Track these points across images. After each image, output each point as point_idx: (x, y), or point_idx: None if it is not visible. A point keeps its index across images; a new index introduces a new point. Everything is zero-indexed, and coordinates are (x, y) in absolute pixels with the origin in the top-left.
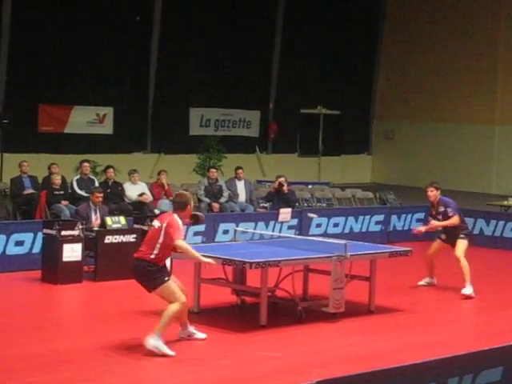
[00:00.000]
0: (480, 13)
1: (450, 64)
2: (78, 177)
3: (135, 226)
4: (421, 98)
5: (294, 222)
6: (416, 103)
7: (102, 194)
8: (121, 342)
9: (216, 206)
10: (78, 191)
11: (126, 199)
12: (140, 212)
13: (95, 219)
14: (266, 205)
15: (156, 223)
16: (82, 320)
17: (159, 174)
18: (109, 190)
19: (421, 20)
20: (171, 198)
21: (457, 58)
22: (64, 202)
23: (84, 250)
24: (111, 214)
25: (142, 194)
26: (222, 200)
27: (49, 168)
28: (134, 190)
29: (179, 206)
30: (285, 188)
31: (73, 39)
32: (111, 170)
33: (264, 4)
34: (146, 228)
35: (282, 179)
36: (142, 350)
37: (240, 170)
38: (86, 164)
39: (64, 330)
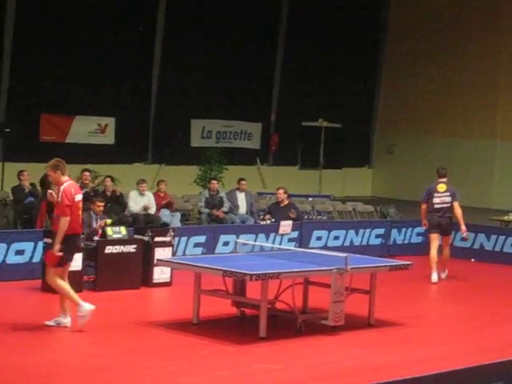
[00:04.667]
0: (482, 28)
1: (452, 79)
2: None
3: (136, 236)
4: (422, 112)
5: (295, 234)
6: (417, 117)
7: (102, 203)
8: (120, 352)
9: (220, 213)
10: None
11: (128, 210)
12: (148, 223)
13: (96, 228)
14: (271, 219)
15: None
16: (82, 330)
17: (158, 184)
18: (109, 204)
19: (423, 35)
20: (172, 208)
21: (458, 74)
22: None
23: (84, 259)
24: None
25: (145, 208)
26: (223, 211)
27: (45, 177)
28: (140, 200)
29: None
30: (284, 201)
31: (75, 49)
32: (108, 179)
33: (266, 16)
34: (146, 239)
35: (280, 191)
36: (141, 360)
37: (243, 182)
38: (87, 173)
39: (63, 339)
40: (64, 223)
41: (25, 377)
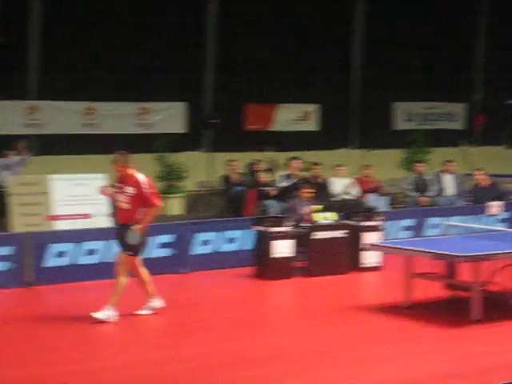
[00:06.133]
0: None
1: None
2: (284, 173)
3: (344, 221)
4: None
5: (506, 215)
6: None
7: (311, 190)
8: (332, 337)
9: (425, 199)
10: (283, 184)
11: (332, 195)
12: (352, 208)
13: (305, 214)
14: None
15: None
16: (293, 315)
17: (364, 169)
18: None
19: None
20: (379, 192)
21: None
22: (272, 192)
23: (295, 245)
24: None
25: (346, 188)
26: (430, 194)
27: (251, 165)
28: (340, 184)
29: None
30: (484, 182)
31: (276, 39)
32: (316, 166)
33: None
34: (354, 223)
35: (478, 172)
36: (354, 345)
37: (451, 163)
38: (297, 161)
39: (276, 325)
40: (155, 213)
41: (239, 362)
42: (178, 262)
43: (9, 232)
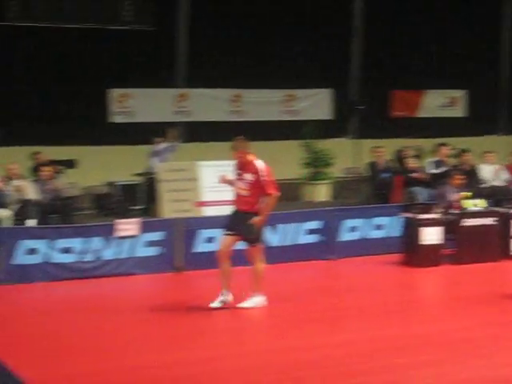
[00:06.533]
0: None
1: None
2: (432, 159)
3: (494, 208)
4: None
5: None
6: None
7: (462, 177)
8: (478, 325)
9: None
10: (432, 171)
11: (480, 181)
12: (502, 195)
13: (454, 201)
14: None
15: None
16: (442, 303)
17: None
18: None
19: None
20: None
21: None
22: (420, 178)
23: (444, 233)
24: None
25: (498, 172)
26: None
27: (399, 152)
28: (488, 171)
29: None
30: None
31: (422, 25)
32: (467, 154)
33: None
34: (504, 211)
35: None
36: (501, 333)
37: None
38: (446, 147)
39: (424, 312)
40: (273, 203)
41: (387, 348)
42: (326, 248)
43: (159, 218)
